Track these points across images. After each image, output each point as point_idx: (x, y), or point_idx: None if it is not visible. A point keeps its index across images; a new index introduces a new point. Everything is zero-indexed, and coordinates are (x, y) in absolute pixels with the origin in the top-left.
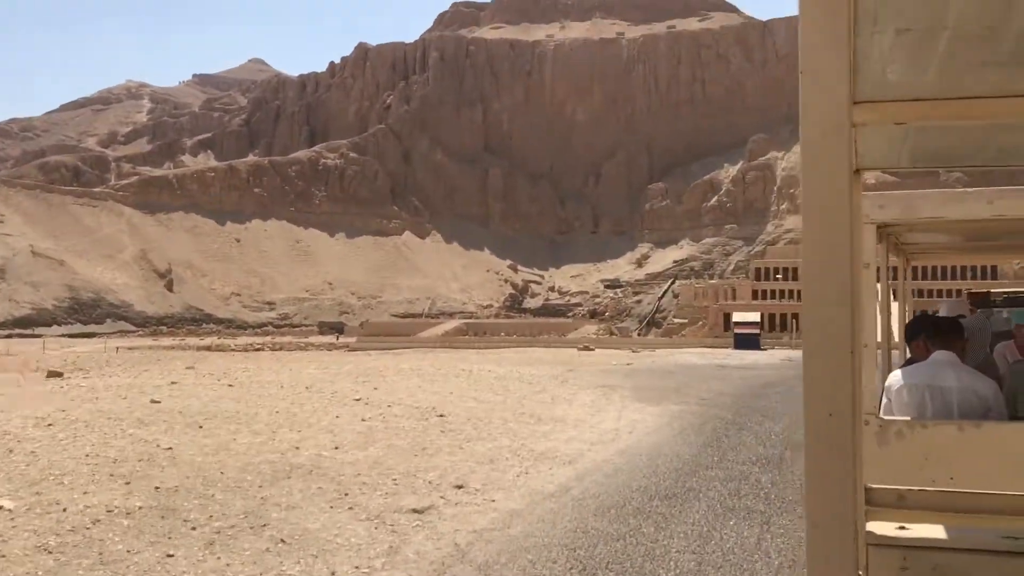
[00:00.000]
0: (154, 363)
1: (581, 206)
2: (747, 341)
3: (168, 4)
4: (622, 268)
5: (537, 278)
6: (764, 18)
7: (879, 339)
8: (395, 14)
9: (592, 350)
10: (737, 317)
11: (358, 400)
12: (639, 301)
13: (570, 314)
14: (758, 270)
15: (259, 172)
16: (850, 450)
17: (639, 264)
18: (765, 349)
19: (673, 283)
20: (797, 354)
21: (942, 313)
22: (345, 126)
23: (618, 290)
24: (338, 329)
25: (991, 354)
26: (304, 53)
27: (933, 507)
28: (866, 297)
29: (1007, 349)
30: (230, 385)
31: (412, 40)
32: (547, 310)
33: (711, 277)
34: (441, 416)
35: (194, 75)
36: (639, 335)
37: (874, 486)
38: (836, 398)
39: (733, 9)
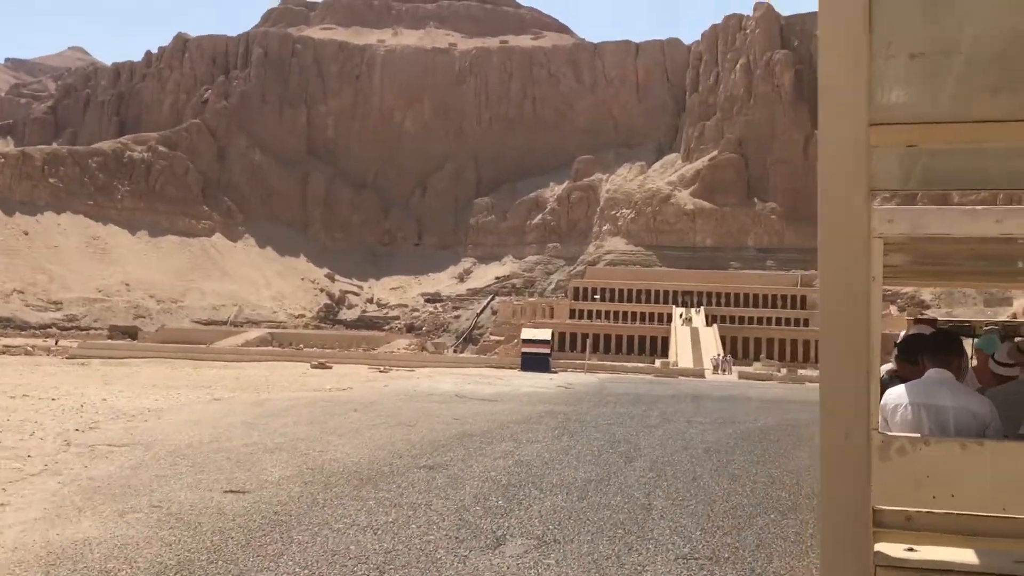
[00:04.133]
0: None
1: (405, 217)
2: (534, 362)
3: None
4: (444, 282)
5: (355, 289)
6: (595, 40)
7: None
8: (227, 8)
9: (329, 368)
10: (527, 334)
11: None
12: (458, 316)
13: (387, 327)
14: (576, 289)
15: (56, 161)
16: (865, 471)
17: (461, 279)
18: (556, 372)
19: (492, 299)
20: (585, 379)
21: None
22: (159, 119)
23: (438, 305)
24: (131, 334)
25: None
26: (128, 43)
27: (941, 529)
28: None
29: (968, 377)
30: None
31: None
32: (364, 322)
33: (532, 295)
34: None
35: (7, 59)
36: (455, 351)
37: (881, 507)
38: (852, 418)
39: (565, 29)
